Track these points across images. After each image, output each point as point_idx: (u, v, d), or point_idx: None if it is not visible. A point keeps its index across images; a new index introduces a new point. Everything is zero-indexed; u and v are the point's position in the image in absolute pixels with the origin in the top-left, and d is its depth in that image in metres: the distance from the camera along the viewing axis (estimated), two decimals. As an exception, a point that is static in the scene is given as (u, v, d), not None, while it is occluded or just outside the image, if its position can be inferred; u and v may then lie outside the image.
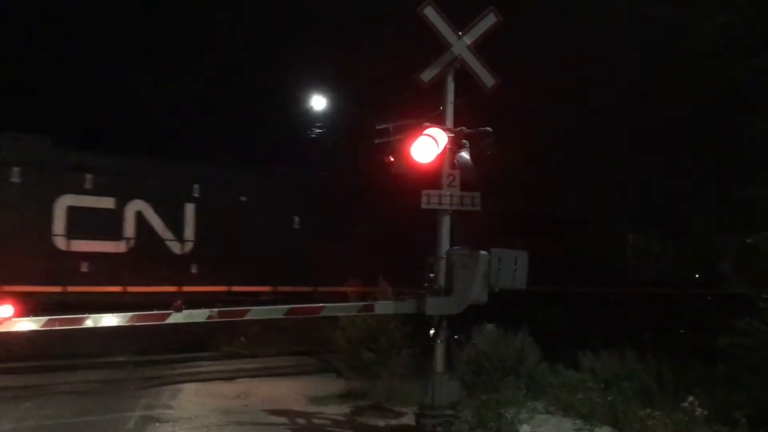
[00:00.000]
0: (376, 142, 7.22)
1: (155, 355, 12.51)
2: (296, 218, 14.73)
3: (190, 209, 13.46)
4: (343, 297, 12.62)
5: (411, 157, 6.89)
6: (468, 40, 7.16)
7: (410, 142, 6.89)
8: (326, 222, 14.76)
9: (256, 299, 13.25)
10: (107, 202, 12.65)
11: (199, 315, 6.82)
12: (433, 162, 6.95)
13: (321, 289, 13.82)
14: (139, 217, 12.93)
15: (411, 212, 15.07)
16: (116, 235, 12.67)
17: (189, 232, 13.40)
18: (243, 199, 14.17)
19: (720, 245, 20.84)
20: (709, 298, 20.87)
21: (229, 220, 13.69)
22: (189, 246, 13.36)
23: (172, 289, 12.69)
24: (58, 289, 11.91)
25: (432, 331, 6.98)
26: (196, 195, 13.59)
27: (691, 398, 6.98)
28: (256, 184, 14.61)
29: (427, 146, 6.84)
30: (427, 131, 6.85)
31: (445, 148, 6.96)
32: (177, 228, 13.30)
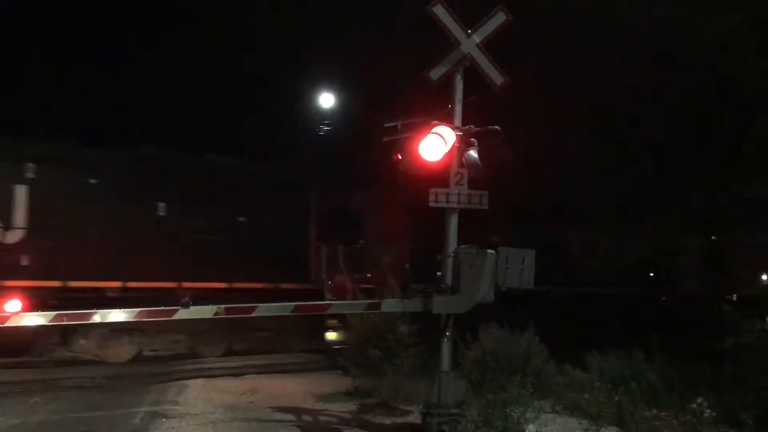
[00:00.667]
0: (384, 140, 7.19)
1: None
2: (162, 205, 13.03)
3: (21, 192, 11.90)
4: (213, 293, 11.82)
5: (419, 156, 6.86)
6: (477, 38, 7.10)
7: (418, 140, 6.86)
8: (200, 210, 13.30)
9: (100, 296, 11.81)
10: None
11: (206, 311, 6.82)
12: (441, 160, 6.91)
13: (186, 284, 12.36)
14: None
15: (308, 205, 14.50)
16: None
17: (19, 218, 11.88)
18: (92, 181, 12.61)
19: (679, 243, 20.33)
20: (663, 298, 19.84)
21: (73, 205, 12.20)
22: (19, 234, 11.89)
23: None
24: None
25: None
26: (30, 175, 12.05)
27: (700, 400, 6.96)
28: (111, 165, 12.95)
29: (435, 144, 6.81)
30: (435, 129, 6.81)
31: (453, 146, 6.93)
32: (3, 213, 11.83)
